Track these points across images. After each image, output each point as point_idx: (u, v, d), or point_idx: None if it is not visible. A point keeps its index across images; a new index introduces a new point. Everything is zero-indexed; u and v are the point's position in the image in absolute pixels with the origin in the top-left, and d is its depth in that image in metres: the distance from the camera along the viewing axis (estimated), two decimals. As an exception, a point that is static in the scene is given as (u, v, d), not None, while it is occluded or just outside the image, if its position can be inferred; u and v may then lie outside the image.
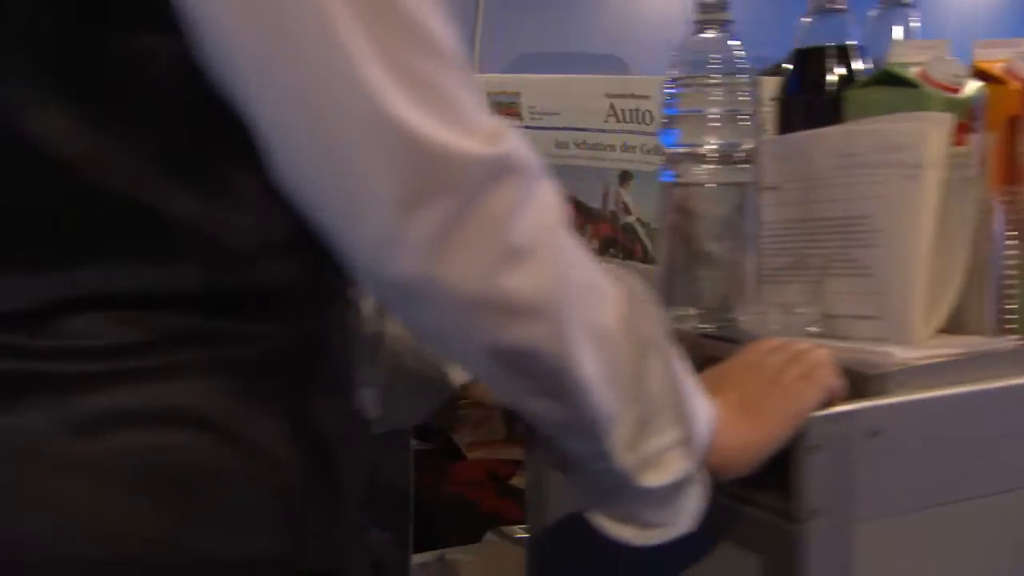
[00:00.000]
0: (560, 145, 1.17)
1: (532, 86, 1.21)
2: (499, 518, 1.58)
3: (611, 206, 1.14)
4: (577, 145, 1.16)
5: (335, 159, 0.51)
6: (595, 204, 1.14)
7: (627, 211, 1.14)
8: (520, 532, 1.50)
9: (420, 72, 0.51)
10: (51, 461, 0.53)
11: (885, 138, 0.85)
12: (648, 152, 1.12)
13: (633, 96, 1.14)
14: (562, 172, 1.14)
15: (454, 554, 1.42)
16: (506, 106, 1.19)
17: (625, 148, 1.14)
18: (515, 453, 1.61)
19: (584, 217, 1.15)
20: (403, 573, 1.11)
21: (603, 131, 1.15)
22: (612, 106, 1.15)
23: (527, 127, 1.17)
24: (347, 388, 0.65)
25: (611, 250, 1.14)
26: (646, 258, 1.13)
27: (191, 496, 0.54)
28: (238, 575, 0.55)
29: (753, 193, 0.89)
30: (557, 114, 1.18)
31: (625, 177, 1.14)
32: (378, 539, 0.71)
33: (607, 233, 1.14)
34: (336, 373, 0.63)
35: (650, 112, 1.11)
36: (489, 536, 1.54)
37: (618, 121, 1.14)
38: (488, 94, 1.17)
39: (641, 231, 1.13)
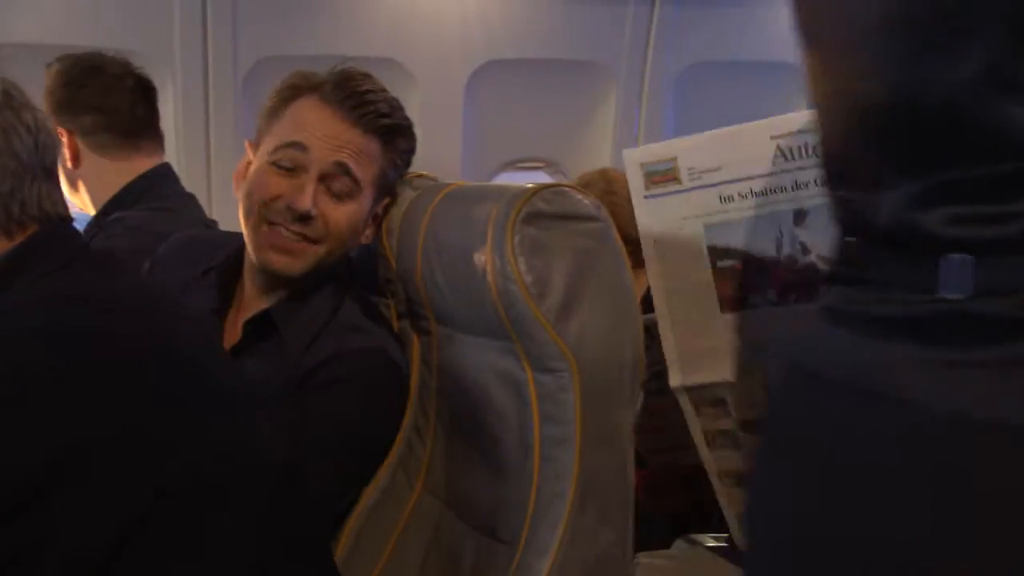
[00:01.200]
0: (725, 200, 1.15)
1: (688, 147, 1.19)
2: (685, 525, 1.57)
3: (787, 250, 1.12)
4: (743, 196, 1.15)
5: None
6: (769, 253, 1.12)
7: (805, 251, 1.12)
8: (711, 540, 1.49)
9: None
10: None
11: None
12: (824, 184, 1.10)
13: (799, 132, 1.13)
14: (729, 228, 1.13)
15: (648, 558, 1.41)
16: (663, 174, 1.19)
17: (796, 186, 1.12)
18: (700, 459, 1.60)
19: (757, 270, 1.13)
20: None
21: (771, 175, 1.13)
22: (779, 147, 1.13)
23: (687, 190, 1.17)
24: None
25: (792, 296, 1.12)
26: (834, 294, 1.11)
27: None
28: None
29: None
30: (719, 169, 1.16)
31: (799, 216, 1.12)
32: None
33: (786, 280, 1.12)
34: None
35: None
36: (679, 543, 1.53)
37: (787, 160, 1.12)
38: (639, 165, 1.18)
39: (825, 268, 1.11)
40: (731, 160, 1.15)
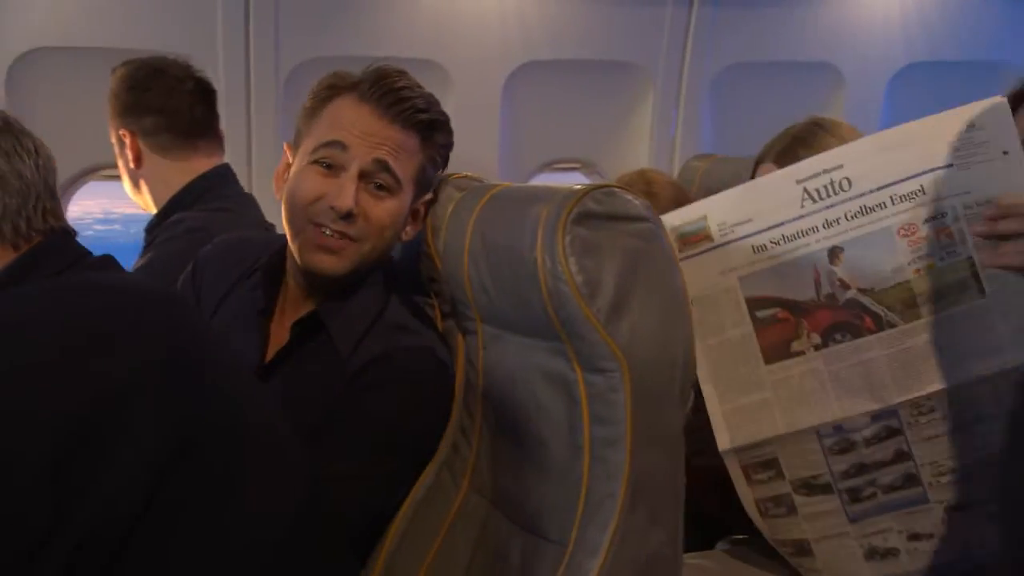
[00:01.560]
0: (757, 250, 1.15)
1: (718, 203, 1.20)
2: (728, 527, 1.56)
3: (826, 289, 1.12)
4: (775, 243, 1.15)
5: None
6: (807, 295, 1.12)
7: (845, 286, 1.11)
8: (752, 541, 1.49)
9: None
10: None
11: None
12: (853, 217, 1.10)
13: (824, 172, 1.13)
14: (764, 277, 1.13)
15: (692, 559, 1.41)
16: (694, 234, 1.19)
17: (827, 225, 1.12)
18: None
19: (798, 315, 1.12)
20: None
21: (801, 218, 1.13)
22: (805, 190, 1.13)
23: (720, 245, 1.17)
24: None
25: (837, 335, 1.11)
26: (881, 326, 1.10)
27: None
28: None
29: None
30: (749, 221, 1.16)
31: (834, 253, 1.12)
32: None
33: (828, 320, 1.12)
34: None
35: (847, 179, 1.10)
36: (721, 545, 1.53)
37: (815, 201, 1.12)
38: (671, 229, 1.18)
39: (867, 300, 1.11)
40: (760, 210, 1.16)
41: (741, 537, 1.57)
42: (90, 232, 3.06)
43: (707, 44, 3.03)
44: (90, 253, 1.00)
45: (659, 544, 1.02)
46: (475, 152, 2.86)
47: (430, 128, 1.31)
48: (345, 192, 1.25)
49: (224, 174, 1.91)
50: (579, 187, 1.06)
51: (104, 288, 0.91)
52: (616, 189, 1.04)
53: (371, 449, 1.21)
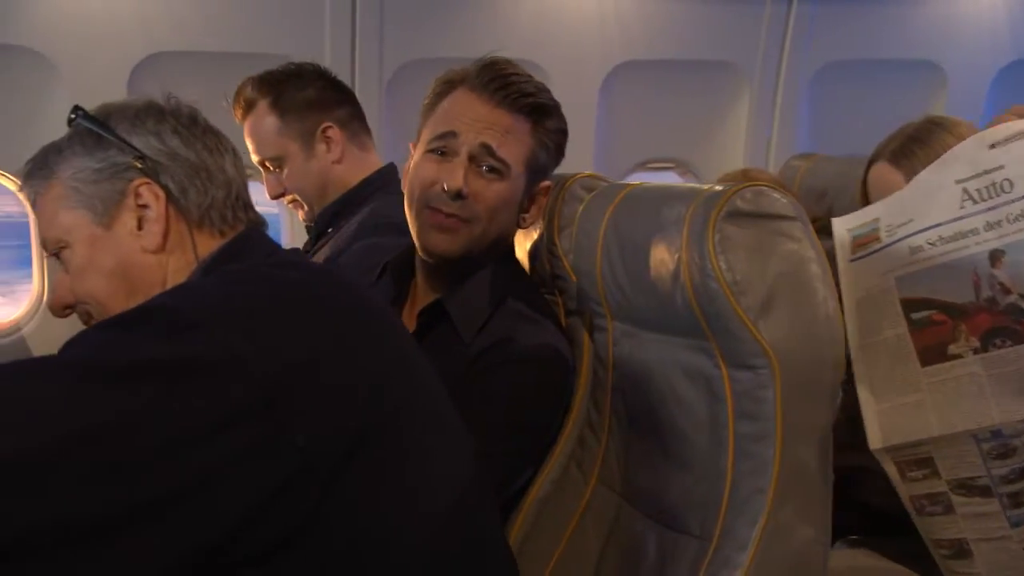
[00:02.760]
0: (915, 251, 1.13)
1: (887, 204, 1.19)
2: (847, 528, 1.55)
3: (985, 292, 1.09)
4: (931, 244, 1.13)
5: None
6: (966, 298, 1.10)
7: (1006, 291, 1.09)
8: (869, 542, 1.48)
9: None
10: None
11: None
12: (1015, 220, 1.07)
13: (984, 173, 1.10)
14: (921, 277, 1.12)
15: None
16: (866, 236, 1.18)
17: (988, 227, 1.09)
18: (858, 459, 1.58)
19: (955, 318, 1.11)
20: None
21: (960, 219, 1.11)
22: (965, 190, 1.11)
23: (885, 246, 1.15)
24: None
25: (996, 340, 1.09)
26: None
27: None
28: None
29: None
30: (910, 221, 1.15)
31: (995, 256, 1.09)
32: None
33: (988, 324, 1.10)
34: None
35: (1008, 180, 1.08)
36: (839, 545, 1.52)
37: (975, 203, 1.10)
38: (849, 231, 1.18)
39: None
40: (919, 210, 1.14)
41: (855, 539, 1.56)
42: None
43: (806, 42, 2.99)
44: (280, 247, 1.06)
45: (807, 540, 1.02)
46: (571, 151, 2.88)
47: (539, 112, 1.35)
48: (456, 174, 1.31)
49: (395, 171, 1.92)
50: (724, 186, 1.07)
51: (310, 274, 0.96)
52: (765, 188, 1.05)
53: (491, 428, 1.23)
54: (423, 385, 0.94)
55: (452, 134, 1.33)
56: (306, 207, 1.91)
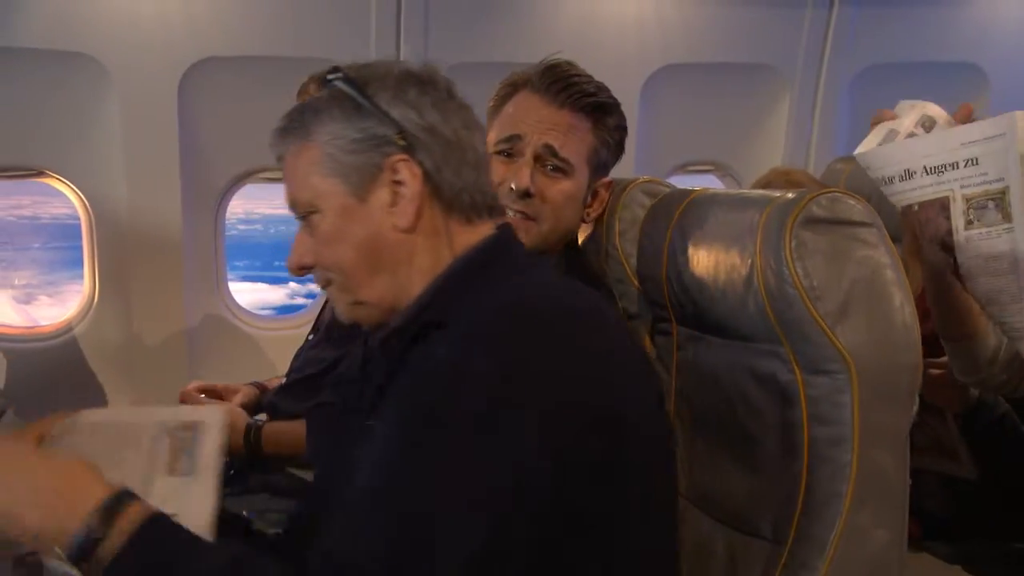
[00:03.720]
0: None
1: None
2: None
3: None
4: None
5: None
6: None
7: None
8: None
9: None
10: None
11: None
12: None
13: None
14: None
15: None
16: None
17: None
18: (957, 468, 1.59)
19: None
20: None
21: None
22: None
23: None
24: None
25: None
26: None
27: None
28: None
29: None
30: None
31: None
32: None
33: None
34: None
35: None
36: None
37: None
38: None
39: None
40: None
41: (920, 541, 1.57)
42: (234, 231, 3.18)
43: (846, 45, 2.99)
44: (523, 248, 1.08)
45: (884, 545, 1.03)
46: (611, 155, 2.89)
47: (600, 110, 1.40)
48: (522, 173, 1.35)
49: None
50: (798, 192, 1.08)
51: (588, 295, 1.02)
52: (840, 194, 1.06)
53: None
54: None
55: (517, 136, 1.37)
56: None
